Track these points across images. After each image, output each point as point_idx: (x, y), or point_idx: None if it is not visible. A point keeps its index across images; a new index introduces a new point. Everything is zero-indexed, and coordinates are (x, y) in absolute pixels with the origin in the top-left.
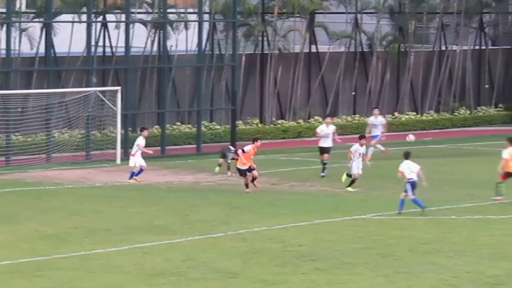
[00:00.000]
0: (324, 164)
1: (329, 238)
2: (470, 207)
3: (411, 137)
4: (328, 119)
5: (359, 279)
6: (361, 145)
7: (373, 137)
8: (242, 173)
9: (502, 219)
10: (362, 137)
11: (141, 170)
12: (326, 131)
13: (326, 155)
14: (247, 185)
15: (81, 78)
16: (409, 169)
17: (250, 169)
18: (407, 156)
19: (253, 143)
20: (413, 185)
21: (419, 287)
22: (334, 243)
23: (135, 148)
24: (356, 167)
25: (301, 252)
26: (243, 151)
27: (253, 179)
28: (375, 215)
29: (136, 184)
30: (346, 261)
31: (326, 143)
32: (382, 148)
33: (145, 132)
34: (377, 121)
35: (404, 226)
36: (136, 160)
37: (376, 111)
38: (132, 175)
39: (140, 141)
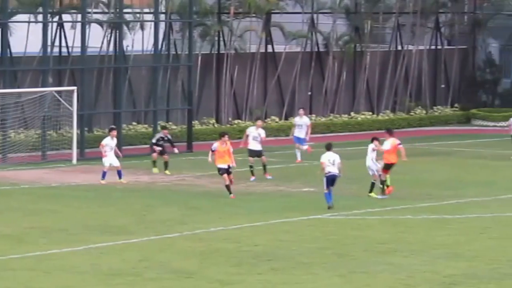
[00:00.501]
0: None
1: (285, 238)
2: (426, 207)
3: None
4: (259, 122)
5: (316, 279)
6: (375, 145)
7: (297, 139)
8: (220, 171)
9: (458, 219)
10: (375, 138)
11: (119, 171)
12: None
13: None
14: (229, 190)
15: (37, 78)
16: (329, 161)
17: (228, 171)
18: (328, 147)
19: (220, 139)
20: (329, 179)
21: (375, 287)
22: (290, 243)
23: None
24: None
25: (257, 252)
26: (212, 150)
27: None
28: (331, 215)
29: (100, 184)
30: (302, 261)
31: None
32: (298, 158)
33: (113, 132)
34: (301, 122)
35: (360, 226)
36: (108, 160)
37: (301, 111)
38: (104, 175)
39: (106, 141)
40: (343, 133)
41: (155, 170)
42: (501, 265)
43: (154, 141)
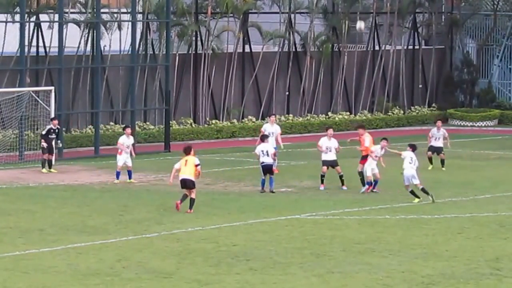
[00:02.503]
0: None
1: (263, 238)
2: (404, 207)
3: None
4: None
5: (293, 279)
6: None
7: None
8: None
9: (436, 219)
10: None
11: (130, 172)
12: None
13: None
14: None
15: (15, 78)
16: (263, 152)
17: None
18: (263, 138)
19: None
20: (264, 168)
21: (353, 287)
22: (268, 243)
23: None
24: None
25: (235, 252)
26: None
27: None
28: (309, 215)
29: (70, 184)
30: (280, 261)
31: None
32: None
33: (128, 130)
34: (272, 129)
35: (338, 226)
36: (123, 158)
37: (272, 117)
38: (118, 175)
39: (121, 139)
40: (321, 133)
41: (44, 170)
42: (479, 265)
43: (44, 132)
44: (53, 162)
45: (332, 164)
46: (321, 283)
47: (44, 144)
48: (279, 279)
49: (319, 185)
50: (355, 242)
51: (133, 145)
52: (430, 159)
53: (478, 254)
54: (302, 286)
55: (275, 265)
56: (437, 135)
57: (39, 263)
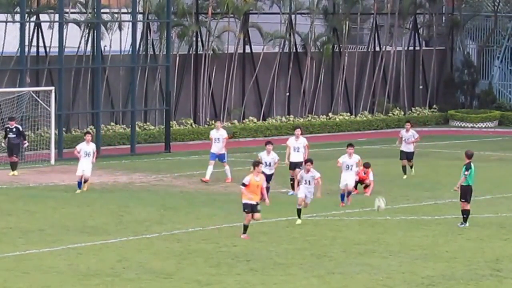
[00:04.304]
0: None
1: (264, 239)
2: (405, 208)
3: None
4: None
5: (294, 280)
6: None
7: (213, 155)
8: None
9: (436, 220)
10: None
11: (83, 181)
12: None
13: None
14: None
15: (15, 78)
16: (266, 163)
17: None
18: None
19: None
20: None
21: (353, 287)
22: (269, 244)
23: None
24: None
25: (236, 252)
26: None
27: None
28: (309, 216)
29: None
30: (280, 261)
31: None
32: (228, 175)
33: (87, 137)
34: (218, 135)
35: (339, 227)
36: (80, 166)
37: (218, 123)
38: (79, 184)
39: (79, 146)
40: (321, 134)
41: (10, 173)
42: (479, 266)
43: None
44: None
45: (296, 166)
46: (322, 284)
47: (3, 145)
48: (280, 279)
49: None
50: (356, 243)
51: (94, 152)
52: (404, 168)
53: (478, 255)
54: (303, 287)
55: (276, 266)
56: (406, 137)
57: (39, 263)
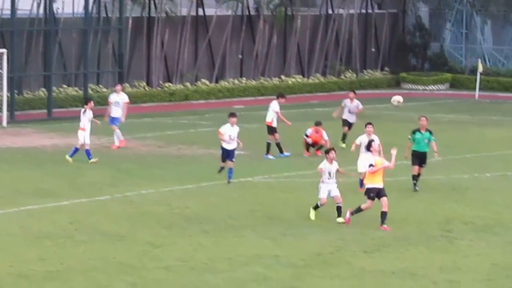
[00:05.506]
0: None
1: (216, 201)
2: (356, 170)
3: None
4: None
5: (246, 241)
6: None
7: (113, 119)
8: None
9: (388, 182)
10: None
11: (76, 150)
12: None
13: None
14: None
15: None
16: (230, 136)
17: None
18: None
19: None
20: (226, 153)
21: (305, 249)
22: (221, 205)
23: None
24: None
25: (188, 215)
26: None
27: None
28: (262, 177)
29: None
30: (233, 223)
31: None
32: (120, 138)
33: (118, 87)
34: (118, 98)
35: (291, 189)
36: (85, 136)
37: (118, 86)
38: (88, 153)
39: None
40: (274, 96)
41: None
42: (429, 227)
43: None
44: None
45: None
46: (274, 246)
47: None
48: (232, 241)
49: (272, 147)
50: (308, 204)
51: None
52: (345, 135)
53: (429, 217)
54: (255, 248)
55: (228, 227)
56: (351, 107)
57: None
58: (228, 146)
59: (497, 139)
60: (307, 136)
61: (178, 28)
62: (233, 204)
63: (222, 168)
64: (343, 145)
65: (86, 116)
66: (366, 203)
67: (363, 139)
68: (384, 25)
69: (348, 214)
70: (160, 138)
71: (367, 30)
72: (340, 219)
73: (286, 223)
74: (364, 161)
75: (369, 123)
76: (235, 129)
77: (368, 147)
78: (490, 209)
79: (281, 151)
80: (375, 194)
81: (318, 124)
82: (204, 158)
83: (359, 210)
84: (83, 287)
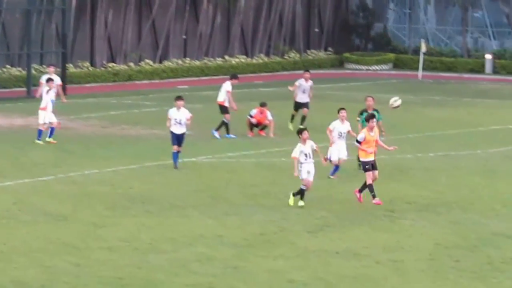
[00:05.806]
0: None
1: (160, 181)
2: None
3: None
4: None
5: (189, 221)
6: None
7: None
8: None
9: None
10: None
11: (52, 129)
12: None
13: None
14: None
15: None
16: (176, 120)
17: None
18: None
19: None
20: (175, 137)
21: (249, 229)
22: (165, 186)
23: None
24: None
25: (132, 195)
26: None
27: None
28: (206, 158)
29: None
30: (176, 203)
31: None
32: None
33: (51, 68)
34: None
35: (235, 169)
36: (46, 116)
37: (51, 68)
38: (40, 133)
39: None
40: (217, 76)
41: None
42: (373, 207)
43: None
44: None
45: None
46: (218, 225)
47: None
48: (176, 221)
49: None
50: (251, 184)
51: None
52: (293, 117)
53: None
54: (199, 228)
55: (172, 207)
56: (306, 87)
57: None
58: (177, 130)
59: (440, 119)
60: (251, 116)
61: (121, 8)
62: (177, 185)
63: (177, 152)
64: (290, 127)
65: (49, 96)
66: (367, 178)
67: (336, 125)
68: (328, 5)
69: (357, 194)
70: (104, 118)
71: (310, 10)
72: (301, 203)
73: (229, 203)
74: (336, 151)
75: (342, 108)
76: (182, 112)
77: (368, 120)
78: (432, 188)
79: (227, 132)
80: (370, 166)
81: (263, 105)
82: (148, 138)
83: (365, 186)
84: (26, 267)
